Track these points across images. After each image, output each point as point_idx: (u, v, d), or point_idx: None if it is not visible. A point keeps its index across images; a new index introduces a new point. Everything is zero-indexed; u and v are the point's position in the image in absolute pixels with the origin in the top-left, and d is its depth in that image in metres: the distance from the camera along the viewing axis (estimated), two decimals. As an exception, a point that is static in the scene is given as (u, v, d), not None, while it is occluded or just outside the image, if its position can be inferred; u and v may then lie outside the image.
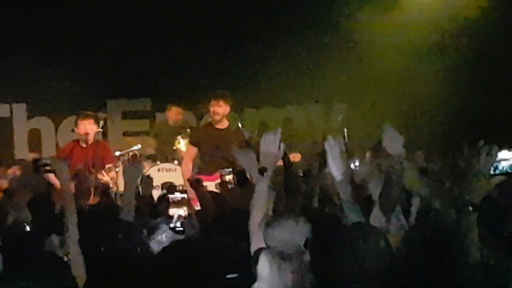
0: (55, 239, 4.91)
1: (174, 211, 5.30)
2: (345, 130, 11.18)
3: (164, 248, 4.10)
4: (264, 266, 3.80)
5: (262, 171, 4.54)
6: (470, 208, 3.91)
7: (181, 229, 5.20)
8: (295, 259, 3.83)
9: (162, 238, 4.82)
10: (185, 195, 5.50)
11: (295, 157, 11.45)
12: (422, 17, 12.64)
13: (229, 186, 7.05)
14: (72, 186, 5.82)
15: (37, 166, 6.69)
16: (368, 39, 12.81)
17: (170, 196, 5.49)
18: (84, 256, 4.51)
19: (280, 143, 4.59)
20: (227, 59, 12.55)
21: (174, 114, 11.71)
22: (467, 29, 12.69)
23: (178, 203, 5.35)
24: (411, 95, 12.95)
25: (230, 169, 7.18)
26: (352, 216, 4.48)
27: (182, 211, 5.30)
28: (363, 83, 12.92)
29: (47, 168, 6.10)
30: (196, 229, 5.35)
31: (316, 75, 12.89)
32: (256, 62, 12.74)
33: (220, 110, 9.03)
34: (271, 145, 4.59)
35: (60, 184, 5.35)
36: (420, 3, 12.69)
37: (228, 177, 7.11)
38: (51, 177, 8.22)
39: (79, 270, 4.32)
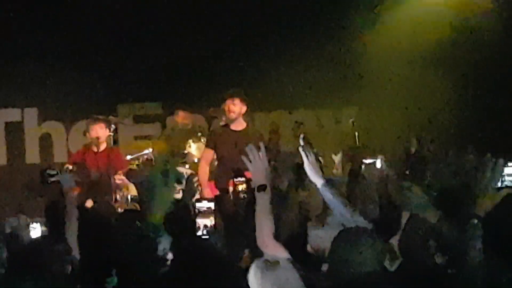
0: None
1: (201, 221, 5.27)
2: (356, 134, 11.17)
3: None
4: (251, 276, 3.85)
5: (261, 188, 4.54)
6: (475, 221, 3.89)
7: (207, 237, 5.19)
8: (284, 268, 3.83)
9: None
10: (211, 205, 5.41)
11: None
12: (433, 22, 12.61)
13: (241, 196, 6.89)
14: (75, 195, 5.94)
15: (44, 176, 6.81)
16: (378, 44, 12.78)
17: (197, 204, 5.41)
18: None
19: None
20: (237, 63, 12.51)
21: (181, 118, 11.70)
22: (477, 36, 12.65)
23: (205, 213, 5.30)
24: (423, 101, 12.90)
25: (244, 179, 7.03)
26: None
27: (209, 221, 5.27)
28: (375, 86, 12.88)
29: (53, 179, 6.23)
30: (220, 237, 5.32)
31: (327, 78, 12.86)
32: (267, 66, 12.71)
33: (235, 108, 8.77)
34: (260, 162, 4.60)
35: (64, 193, 5.52)
36: (430, 9, 12.65)
37: (241, 187, 6.96)
38: None
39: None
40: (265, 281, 3.78)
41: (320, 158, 5.96)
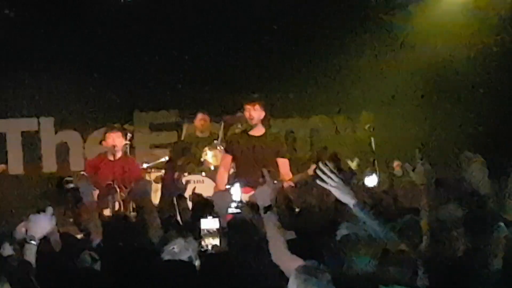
0: (86, 255, 4.89)
1: (208, 242, 5.25)
2: (372, 139, 11.12)
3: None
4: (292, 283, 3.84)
5: (267, 209, 4.69)
6: (502, 224, 3.86)
7: (213, 252, 5.18)
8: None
9: (174, 249, 4.78)
10: (217, 223, 5.35)
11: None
12: (449, 27, 12.56)
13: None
14: (95, 201, 5.99)
15: (61, 183, 6.86)
16: (393, 49, 12.75)
17: (202, 221, 5.36)
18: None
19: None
20: (254, 70, 12.50)
21: (198, 119, 11.69)
22: (495, 41, 12.61)
23: (213, 233, 5.28)
24: (441, 105, 12.86)
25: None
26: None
27: (217, 241, 5.25)
28: (391, 92, 12.84)
29: (71, 185, 6.27)
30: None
31: (343, 84, 12.83)
32: (283, 73, 12.71)
33: (255, 114, 8.69)
34: (265, 185, 4.79)
35: (84, 200, 5.56)
36: (447, 16, 12.61)
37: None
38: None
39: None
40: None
41: (353, 177, 5.96)
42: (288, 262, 4.32)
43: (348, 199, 4.56)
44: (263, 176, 4.90)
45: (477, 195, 4.55)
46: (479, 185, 4.88)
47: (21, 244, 4.76)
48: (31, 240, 4.63)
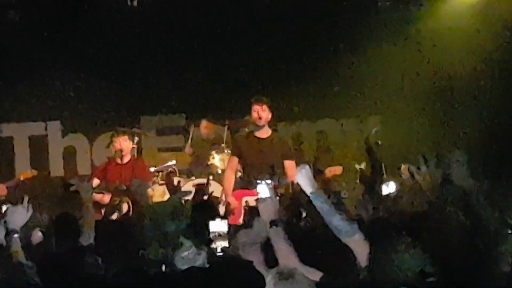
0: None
1: (218, 244, 5.24)
2: (379, 142, 11.10)
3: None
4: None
5: (273, 224, 4.68)
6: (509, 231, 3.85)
7: (222, 254, 5.17)
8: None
9: (187, 255, 4.78)
10: (225, 225, 5.34)
11: (336, 170, 11.45)
12: (460, 31, 12.55)
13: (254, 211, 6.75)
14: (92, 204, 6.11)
15: (66, 185, 7.02)
16: (402, 53, 12.73)
17: (211, 223, 5.34)
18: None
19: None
20: (261, 73, 12.50)
21: (203, 127, 11.71)
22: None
23: (223, 236, 5.27)
24: (448, 108, 12.84)
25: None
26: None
27: (227, 243, 5.25)
28: (398, 96, 12.83)
29: (72, 188, 6.40)
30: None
31: (350, 88, 12.82)
32: (290, 76, 12.71)
33: (264, 114, 8.71)
34: (269, 199, 4.78)
35: (82, 201, 5.69)
36: (456, 18, 12.59)
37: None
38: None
39: None
40: None
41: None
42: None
43: (307, 188, 4.64)
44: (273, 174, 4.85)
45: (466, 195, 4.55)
46: (463, 183, 4.90)
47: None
48: (14, 233, 4.87)
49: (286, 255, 4.50)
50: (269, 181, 6.42)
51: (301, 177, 4.68)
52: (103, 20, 12.35)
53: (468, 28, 12.53)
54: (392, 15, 12.74)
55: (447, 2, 12.82)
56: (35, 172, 11.23)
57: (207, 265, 4.67)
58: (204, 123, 11.72)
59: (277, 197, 5.37)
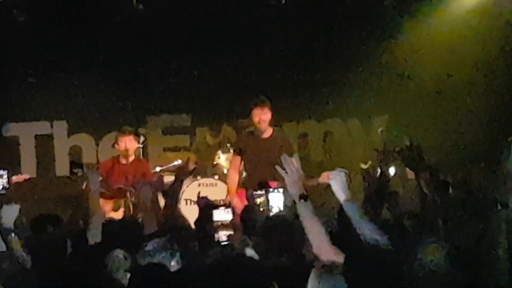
0: (119, 254, 4.85)
1: (222, 234, 5.24)
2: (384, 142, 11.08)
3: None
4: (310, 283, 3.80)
5: (303, 197, 4.44)
6: (500, 207, 3.83)
7: (227, 242, 5.17)
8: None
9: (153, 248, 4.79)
10: (229, 215, 5.35)
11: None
12: (465, 29, 12.52)
13: (261, 209, 6.69)
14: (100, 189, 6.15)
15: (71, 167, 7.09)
16: (409, 53, 12.71)
17: (215, 212, 5.37)
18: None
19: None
20: (267, 74, 12.49)
21: (208, 135, 11.79)
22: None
23: (226, 225, 5.27)
24: (452, 107, 12.82)
25: (263, 192, 6.75)
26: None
27: (231, 231, 5.24)
28: (404, 95, 12.81)
29: (79, 173, 6.48)
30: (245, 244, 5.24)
31: (356, 88, 12.81)
32: (296, 76, 12.69)
33: (266, 117, 8.71)
34: (295, 172, 4.53)
35: (91, 189, 5.60)
36: (464, 15, 12.57)
37: (259, 200, 6.76)
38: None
39: None
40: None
41: None
42: (331, 255, 4.19)
43: (341, 195, 4.52)
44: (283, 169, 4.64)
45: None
46: None
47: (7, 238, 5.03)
48: (9, 232, 4.98)
49: (316, 232, 4.35)
50: (281, 189, 6.41)
51: (336, 183, 4.54)
52: (110, 20, 12.37)
53: (474, 27, 12.52)
54: (398, 15, 12.71)
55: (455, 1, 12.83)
56: (27, 176, 11.20)
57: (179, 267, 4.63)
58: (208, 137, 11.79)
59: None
